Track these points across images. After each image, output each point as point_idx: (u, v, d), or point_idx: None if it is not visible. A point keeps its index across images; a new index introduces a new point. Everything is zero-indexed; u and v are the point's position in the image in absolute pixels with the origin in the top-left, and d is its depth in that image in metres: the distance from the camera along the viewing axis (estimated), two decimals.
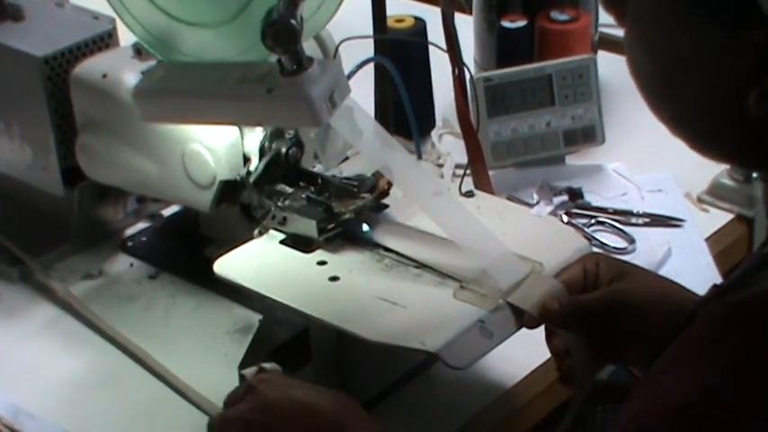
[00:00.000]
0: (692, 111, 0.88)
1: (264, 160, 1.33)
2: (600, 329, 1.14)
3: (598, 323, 1.14)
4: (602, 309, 1.13)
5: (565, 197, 1.56)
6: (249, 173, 1.35)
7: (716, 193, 1.58)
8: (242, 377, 1.16)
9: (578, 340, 1.13)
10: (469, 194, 1.33)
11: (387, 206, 1.30)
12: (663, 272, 1.42)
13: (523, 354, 1.29)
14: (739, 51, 0.82)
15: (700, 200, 1.59)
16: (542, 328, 1.16)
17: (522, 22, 1.70)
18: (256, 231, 1.28)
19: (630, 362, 1.19)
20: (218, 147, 1.34)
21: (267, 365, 1.16)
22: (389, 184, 1.28)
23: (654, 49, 0.87)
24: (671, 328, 0.93)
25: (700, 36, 0.83)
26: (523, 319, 1.15)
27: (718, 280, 1.39)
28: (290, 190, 1.31)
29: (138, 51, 1.37)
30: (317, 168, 1.34)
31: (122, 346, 1.36)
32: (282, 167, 1.33)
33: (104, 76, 1.40)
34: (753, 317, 0.85)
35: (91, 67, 1.43)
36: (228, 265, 1.23)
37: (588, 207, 1.55)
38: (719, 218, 1.56)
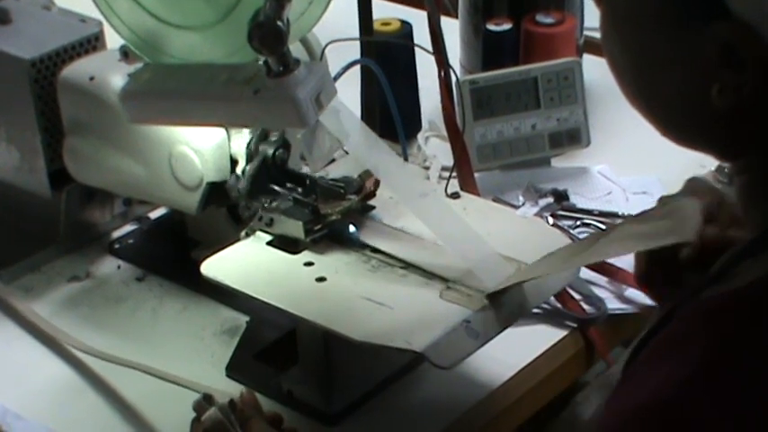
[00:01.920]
0: (665, 102, 0.89)
1: (253, 167, 1.33)
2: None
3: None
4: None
5: (550, 199, 1.56)
6: (238, 177, 1.35)
7: None
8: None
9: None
10: (455, 196, 1.34)
11: (373, 207, 1.31)
12: None
13: (510, 353, 1.30)
14: (705, 45, 0.83)
15: None
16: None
17: (507, 26, 1.71)
18: (243, 233, 1.29)
19: None
20: (205, 149, 1.35)
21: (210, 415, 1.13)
22: (376, 186, 1.29)
23: (627, 40, 0.88)
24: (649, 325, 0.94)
25: (669, 29, 0.85)
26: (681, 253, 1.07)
27: None
28: (278, 190, 1.31)
29: (125, 54, 1.37)
30: (305, 170, 1.34)
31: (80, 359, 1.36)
32: (270, 169, 1.34)
33: (91, 78, 1.41)
34: (723, 315, 0.86)
35: (78, 69, 1.43)
36: (215, 267, 1.24)
37: (573, 209, 1.56)
38: None
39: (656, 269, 1.12)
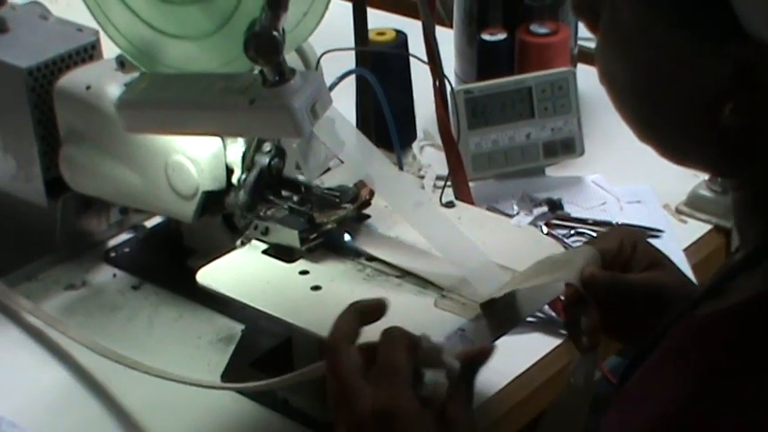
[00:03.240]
0: (666, 120, 0.88)
1: (251, 179, 1.33)
2: (621, 310, 1.11)
3: (623, 304, 1.10)
4: (638, 293, 1.10)
5: (544, 208, 1.57)
6: (232, 185, 1.35)
7: (694, 205, 1.59)
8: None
9: (594, 312, 1.10)
10: (450, 205, 1.34)
11: (368, 216, 1.31)
12: None
13: (504, 362, 1.28)
14: (718, 65, 0.82)
15: (678, 211, 1.60)
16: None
17: (502, 36, 1.72)
18: (239, 242, 1.29)
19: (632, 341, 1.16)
20: (201, 158, 1.35)
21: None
22: (371, 195, 1.29)
23: (630, 59, 0.87)
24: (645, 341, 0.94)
25: (679, 49, 0.83)
26: (562, 288, 1.12)
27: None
28: (273, 199, 1.32)
29: (122, 63, 1.38)
30: (300, 179, 1.35)
31: (85, 362, 1.36)
32: (266, 179, 1.34)
33: (88, 87, 1.41)
34: (716, 332, 0.86)
35: (75, 78, 1.44)
36: (211, 275, 1.24)
37: (568, 218, 1.56)
38: (697, 229, 1.58)
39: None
